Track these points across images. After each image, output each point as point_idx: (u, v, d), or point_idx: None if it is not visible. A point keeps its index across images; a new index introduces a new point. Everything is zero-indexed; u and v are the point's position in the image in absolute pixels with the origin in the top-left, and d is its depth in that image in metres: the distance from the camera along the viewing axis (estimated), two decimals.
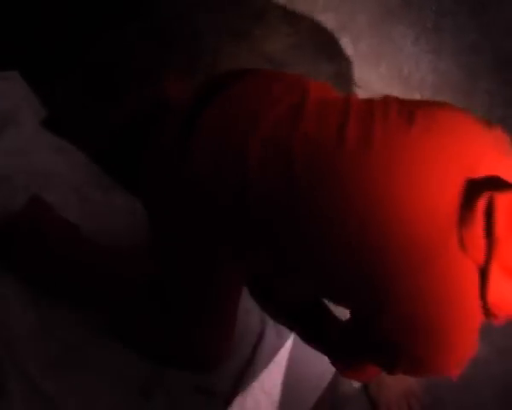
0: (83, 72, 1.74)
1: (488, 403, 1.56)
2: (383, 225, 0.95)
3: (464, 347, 0.99)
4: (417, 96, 1.76)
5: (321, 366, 1.53)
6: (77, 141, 1.65)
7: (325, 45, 1.78)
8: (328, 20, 1.78)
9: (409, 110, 1.01)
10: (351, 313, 1.12)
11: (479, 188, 0.93)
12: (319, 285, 1.11)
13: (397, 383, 1.51)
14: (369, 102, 1.06)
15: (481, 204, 0.91)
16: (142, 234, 1.57)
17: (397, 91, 1.74)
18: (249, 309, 1.54)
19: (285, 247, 1.04)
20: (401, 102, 1.05)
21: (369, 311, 1.00)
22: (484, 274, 0.93)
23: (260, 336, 1.53)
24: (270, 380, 1.51)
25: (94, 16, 1.79)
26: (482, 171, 0.95)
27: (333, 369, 1.52)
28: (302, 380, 1.52)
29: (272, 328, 1.54)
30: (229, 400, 1.49)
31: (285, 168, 1.01)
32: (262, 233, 1.05)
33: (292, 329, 1.44)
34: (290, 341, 1.54)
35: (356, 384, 1.54)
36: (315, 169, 0.99)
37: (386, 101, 1.05)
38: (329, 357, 1.30)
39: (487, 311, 0.95)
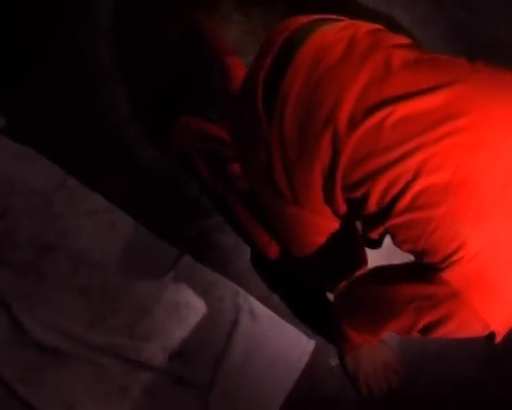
0: (41, 76, 1.74)
1: (465, 373, 1.57)
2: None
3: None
4: None
5: (298, 347, 1.54)
6: (39, 145, 1.65)
7: None
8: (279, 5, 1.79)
9: (498, 80, 1.06)
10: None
11: None
12: None
13: (374, 357, 1.52)
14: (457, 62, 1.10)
15: None
16: (107, 233, 1.60)
17: None
18: (223, 296, 1.56)
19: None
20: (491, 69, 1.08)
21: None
22: None
23: (234, 323, 1.54)
24: (248, 365, 1.52)
25: (46, 21, 1.80)
26: None
27: (310, 349, 1.55)
28: (280, 362, 1.53)
29: (247, 313, 1.55)
30: (208, 389, 1.50)
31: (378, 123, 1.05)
32: None
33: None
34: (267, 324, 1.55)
35: (333, 362, 1.56)
36: (404, 128, 1.03)
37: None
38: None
39: None
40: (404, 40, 1.18)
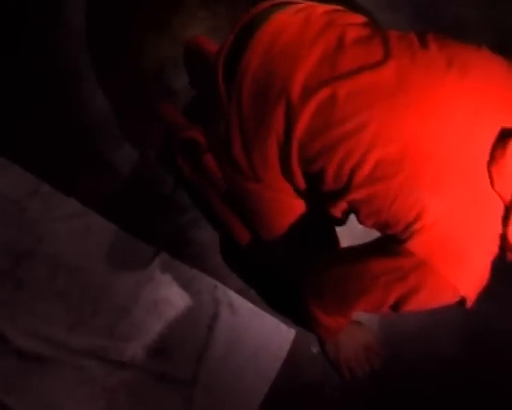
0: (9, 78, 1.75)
1: (445, 351, 1.58)
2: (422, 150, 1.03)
3: (478, 269, 1.06)
4: None
5: (279, 336, 1.55)
6: (10, 152, 1.66)
7: None
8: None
9: (447, 53, 1.08)
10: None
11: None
12: None
13: (354, 341, 1.53)
14: (407, 37, 1.13)
15: None
16: (83, 237, 1.60)
17: None
18: (202, 291, 1.57)
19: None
20: (440, 43, 1.11)
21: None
22: (509, 210, 1.03)
23: (214, 317, 1.54)
24: (230, 357, 1.52)
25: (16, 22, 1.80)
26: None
27: (291, 338, 1.56)
28: (262, 352, 1.54)
29: (226, 307, 1.55)
30: (192, 384, 1.50)
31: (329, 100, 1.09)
32: None
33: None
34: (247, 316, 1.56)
35: (315, 349, 1.56)
36: (356, 101, 1.07)
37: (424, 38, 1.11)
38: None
39: (506, 245, 1.04)
40: (360, 19, 1.21)
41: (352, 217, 1.20)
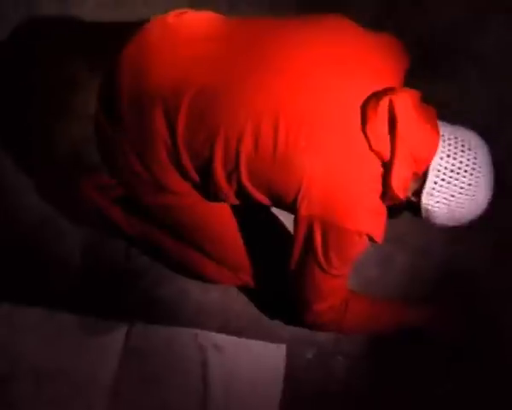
0: None
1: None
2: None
3: (369, 208, 1.18)
4: None
5: (271, 357, 1.57)
6: None
7: None
8: None
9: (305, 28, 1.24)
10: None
11: (380, 94, 1.15)
12: None
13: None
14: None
15: (383, 105, 1.13)
16: (56, 339, 1.58)
17: None
18: (184, 344, 1.57)
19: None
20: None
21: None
22: (389, 165, 1.15)
23: (204, 364, 1.55)
24: (232, 397, 1.53)
25: None
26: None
27: (283, 353, 1.57)
28: (260, 379, 1.54)
29: (212, 349, 1.56)
30: None
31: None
32: None
33: None
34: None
35: (309, 354, 1.58)
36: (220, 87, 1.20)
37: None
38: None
39: (390, 195, 1.18)
40: (208, 14, 1.34)
41: None
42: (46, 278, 1.67)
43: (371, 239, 1.21)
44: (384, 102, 1.14)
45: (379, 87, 1.18)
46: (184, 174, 1.26)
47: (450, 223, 1.23)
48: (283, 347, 1.57)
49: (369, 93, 1.16)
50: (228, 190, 1.26)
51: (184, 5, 1.38)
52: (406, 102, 1.15)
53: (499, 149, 1.32)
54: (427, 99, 1.23)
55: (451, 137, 1.18)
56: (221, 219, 1.40)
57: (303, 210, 1.17)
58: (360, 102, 1.16)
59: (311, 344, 1.59)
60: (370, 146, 1.15)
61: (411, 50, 1.36)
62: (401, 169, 1.16)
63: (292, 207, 1.20)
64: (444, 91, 1.75)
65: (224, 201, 1.31)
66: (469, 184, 1.17)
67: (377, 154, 1.15)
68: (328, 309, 1.35)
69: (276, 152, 1.15)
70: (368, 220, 1.18)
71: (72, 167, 1.74)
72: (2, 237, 1.71)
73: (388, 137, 1.15)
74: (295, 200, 1.18)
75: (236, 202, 1.31)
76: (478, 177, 1.17)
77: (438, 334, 1.55)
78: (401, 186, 1.18)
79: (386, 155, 1.15)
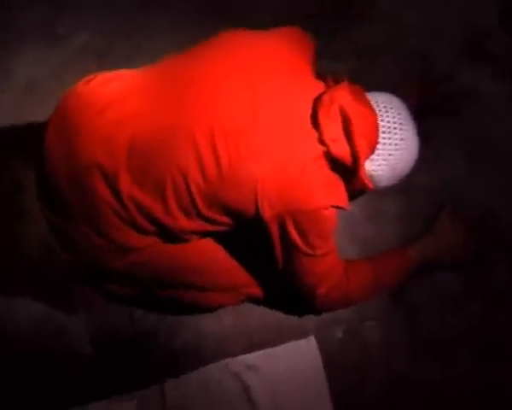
0: None
1: None
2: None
3: (322, 183, 1.22)
4: None
5: (304, 354, 1.55)
6: None
7: None
8: None
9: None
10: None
11: (324, 97, 1.20)
12: None
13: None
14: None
15: (334, 110, 1.19)
16: None
17: None
18: (219, 380, 1.54)
19: None
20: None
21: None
22: (355, 164, 1.22)
23: (245, 388, 1.53)
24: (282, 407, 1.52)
25: None
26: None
27: (314, 345, 1.56)
28: (302, 380, 1.53)
29: (247, 372, 1.54)
30: None
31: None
32: None
33: None
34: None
35: (339, 334, 1.58)
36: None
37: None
38: None
39: (360, 186, 1.25)
40: (115, 73, 1.36)
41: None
42: (61, 379, 1.63)
43: (339, 207, 1.23)
44: (334, 108, 1.19)
45: (298, 79, 1.24)
46: (142, 230, 1.27)
47: (394, 180, 1.31)
48: (312, 338, 1.56)
49: (291, 87, 1.22)
50: (190, 228, 1.27)
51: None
52: (348, 99, 1.20)
53: None
54: None
55: (373, 102, 1.25)
56: (196, 250, 1.38)
57: (267, 213, 1.20)
58: (289, 96, 1.20)
59: (337, 324, 1.59)
60: (330, 151, 1.19)
61: None
62: (365, 164, 1.24)
63: (256, 217, 1.21)
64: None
65: (190, 239, 1.33)
66: (401, 139, 1.25)
67: (340, 159, 1.21)
68: (331, 288, 1.36)
69: (222, 171, 1.18)
70: (326, 194, 1.21)
71: (47, 263, 1.71)
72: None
73: (345, 139, 1.20)
74: (256, 208, 1.19)
75: (202, 234, 1.32)
76: (406, 130, 1.25)
77: (449, 258, 1.57)
78: (367, 176, 1.25)
79: (348, 159, 1.21)
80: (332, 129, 1.19)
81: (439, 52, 1.87)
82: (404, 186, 1.45)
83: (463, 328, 1.56)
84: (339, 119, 1.20)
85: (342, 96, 1.20)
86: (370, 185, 1.25)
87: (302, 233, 1.22)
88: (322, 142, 1.19)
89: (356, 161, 1.21)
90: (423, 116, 1.60)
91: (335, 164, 1.22)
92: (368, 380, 1.54)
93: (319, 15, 1.93)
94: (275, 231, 1.23)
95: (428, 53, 1.87)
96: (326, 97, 1.20)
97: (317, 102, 1.21)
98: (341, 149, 1.20)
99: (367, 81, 1.34)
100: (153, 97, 1.24)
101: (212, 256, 1.41)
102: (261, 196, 1.18)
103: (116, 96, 1.27)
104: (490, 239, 1.63)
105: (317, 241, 1.25)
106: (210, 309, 1.55)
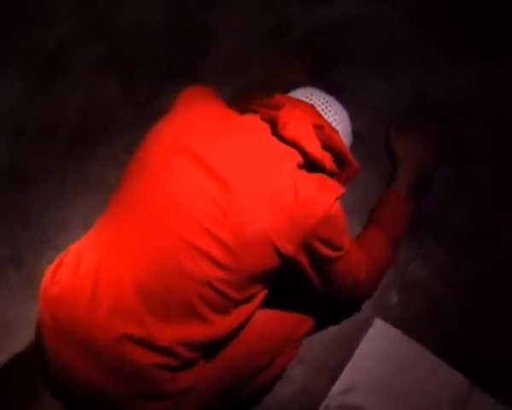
0: None
1: None
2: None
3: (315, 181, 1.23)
4: None
5: (386, 336, 1.49)
6: None
7: None
8: None
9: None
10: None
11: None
12: None
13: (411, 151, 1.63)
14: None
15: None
16: None
17: None
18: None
19: None
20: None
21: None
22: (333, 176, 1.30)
23: None
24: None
25: None
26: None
27: (380, 324, 1.48)
28: (396, 361, 1.46)
29: (342, 396, 1.43)
30: None
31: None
32: None
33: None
34: None
35: (394, 299, 1.52)
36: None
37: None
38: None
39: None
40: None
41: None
42: None
43: (339, 197, 1.23)
44: (294, 120, 1.23)
45: (234, 124, 1.26)
46: (190, 363, 1.20)
47: (349, 138, 1.41)
48: (377, 320, 1.50)
49: (235, 135, 1.22)
50: (232, 324, 1.22)
51: None
52: (293, 108, 1.26)
53: None
54: None
55: (302, 98, 1.35)
56: (242, 339, 1.29)
57: (291, 249, 1.18)
58: (239, 143, 1.21)
59: (386, 291, 1.54)
60: (313, 156, 1.24)
61: None
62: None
63: (282, 262, 1.19)
64: None
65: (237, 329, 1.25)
66: (334, 107, 1.38)
67: (331, 151, 1.30)
68: (367, 270, 1.38)
69: (232, 249, 1.14)
70: (325, 194, 1.21)
71: None
72: None
73: (316, 139, 1.26)
74: (279, 253, 1.17)
75: (247, 313, 1.25)
76: (331, 99, 1.38)
77: (428, 165, 1.64)
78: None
79: (335, 151, 1.30)
80: (305, 137, 1.23)
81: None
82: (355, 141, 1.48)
83: None
84: (303, 128, 1.24)
85: (290, 110, 1.25)
86: (356, 164, 1.34)
87: (328, 242, 1.23)
88: (303, 154, 1.23)
89: (340, 148, 1.29)
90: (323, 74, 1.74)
91: (314, 164, 1.26)
92: (444, 305, 1.51)
93: None
94: (303, 259, 1.22)
95: None
96: (281, 120, 1.23)
97: (274, 128, 1.24)
98: (320, 149, 1.26)
99: None
100: (124, 241, 1.18)
101: (259, 330, 1.33)
102: (278, 240, 1.16)
103: (93, 270, 1.18)
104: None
105: (340, 240, 1.26)
106: (280, 377, 1.45)
